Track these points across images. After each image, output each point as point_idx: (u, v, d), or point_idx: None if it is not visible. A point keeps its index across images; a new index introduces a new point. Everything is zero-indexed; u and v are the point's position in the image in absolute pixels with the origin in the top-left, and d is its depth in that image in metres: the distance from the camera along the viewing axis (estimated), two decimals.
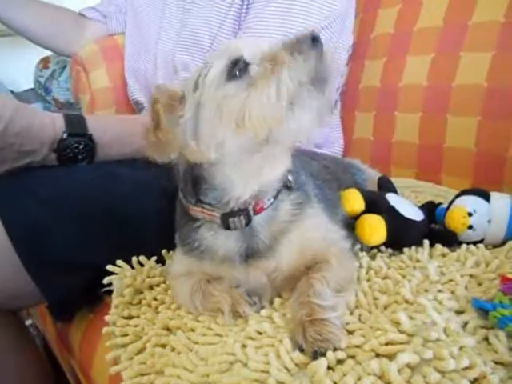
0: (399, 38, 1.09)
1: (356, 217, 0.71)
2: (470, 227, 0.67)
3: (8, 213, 0.68)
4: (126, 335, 0.60)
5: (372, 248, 0.70)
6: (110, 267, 0.67)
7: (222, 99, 0.52)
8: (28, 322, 1.27)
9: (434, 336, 0.44)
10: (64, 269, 0.69)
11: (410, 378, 0.41)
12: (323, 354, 0.46)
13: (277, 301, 0.59)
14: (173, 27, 1.08)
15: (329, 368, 0.45)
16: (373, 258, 0.67)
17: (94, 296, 0.73)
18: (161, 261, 0.72)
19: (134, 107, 1.22)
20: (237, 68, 0.52)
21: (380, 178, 0.84)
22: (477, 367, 0.41)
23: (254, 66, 0.52)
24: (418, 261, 0.64)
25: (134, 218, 0.74)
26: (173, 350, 0.55)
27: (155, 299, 0.65)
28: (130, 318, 0.63)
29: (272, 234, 0.58)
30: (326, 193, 0.69)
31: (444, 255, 0.66)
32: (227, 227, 0.58)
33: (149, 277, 0.68)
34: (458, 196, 0.73)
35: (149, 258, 0.71)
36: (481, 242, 0.68)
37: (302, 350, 0.48)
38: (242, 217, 0.57)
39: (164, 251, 0.73)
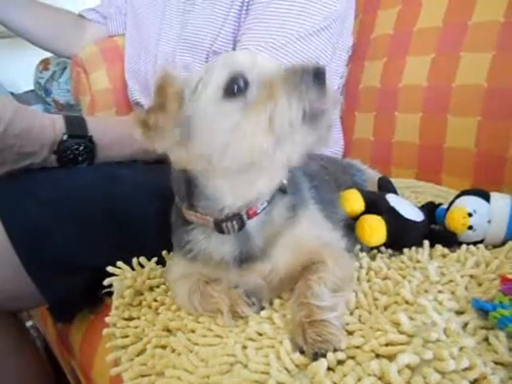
0: (399, 39, 1.09)
1: (356, 217, 0.71)
2: (470, 228, 0.67)
3: (8, 214, 0.68)
4: (127, 336, 0.60)
5: (372, 248, 0.70)
6: (110, 268, 0.67)
7: (215, 115, 0.52)
8: (28, 324, 1.27)
9: (434, 337, 0.44)
10: (64, 270, 0.69)
11: (410, 379, 0.41)
12: (323, 356, 0.46)
13: (276, 302, 0.59)
14: (173, 28, 1.08)
15: (329, 369, 0.45)
16: (373, 258, 0.67)
17: (95, 297, 0.73)
18: (161, 262, 0.72)
19: (135, 108, 1.22)
20: (235, 85, 0.51)
21: (380, 179, 0.84)
22: (477, 368, 0.41)
23: (253, 88, 0.51)
24: (418, 261, 0.64)
25: (135, 219, 0.74)
26: (173, 351, 0.55)
27: (155, 300, 0.65)
28: (130, 319, 0.63)
29: (266, 238, 0.58)
30: (324, 193, 0.69)
31: (444, 256, 0.66)
32: (220, 231, 0.58)
33: (149, 278, 0.69)
34: (458, 196, 0.73)
35: (149, 259, 0.72)
36: (481, 242, 0.68)
37: (302, 352, 0.48)
38: (234, 222, 0.57)
39: (164, 252, 0.73)
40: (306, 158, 0.53)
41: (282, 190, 0.60)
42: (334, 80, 1.06)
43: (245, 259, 0.58)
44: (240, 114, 0.50)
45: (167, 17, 1.11)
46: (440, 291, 0.55)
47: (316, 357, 0.46)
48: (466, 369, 0.42)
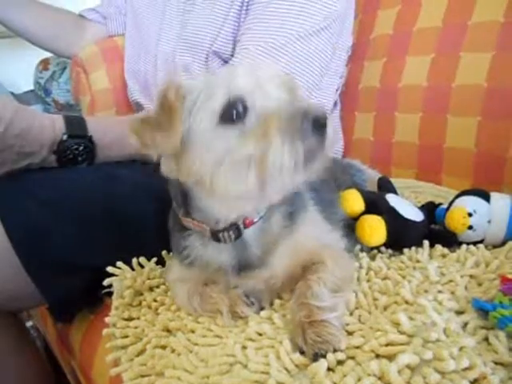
0: (398, 39, 1.09)
1: (356, 217, 0.71)
2: (470, 227, 0.67)
3: (8, 214, 0.68)
4: (127, 337, 0.60)
5: (372, 249, 0.70)
6: (110, 269, 0.68)
7: (210, 138, 0.51)
8: (29, 324, 1.27)
9: (434, 337, 0.44)
10: (64, 270, 0.69)
11: (409, 379, 0.41)
12: (324, 356, 0.46)
13: (276, 302, 0.59)
14: (173, 28, 1.08)
15: (329, 369, 0.45)
16: (373, 258, 0.67)
17: (95, 297, 0.73)
18: (161, 262, 0.72)
19: (135, 108, 1.22)
20: (234, 111, 0.49)
21: (380, 179, 0.84)
22: (477, 368, 0.41)
23: (251, 117, 0.50)
24: (417, 261, 0.64)
25: (134, 219, 0.74)
26: (173, 351, 0.55)
27: (155, 301, 0.65)
28: (130, 319, 0.63)
29: (264, 246, 0.58)
30: (323, 194, 0.69)
31: (444, 256, 0.66)
32: (217, 240, 0.57)
33: (149, 278, 0.69)
34: (457, 196, 0.73)
35: (149, 259, 0.72)
36: (481, 242, 0.68)
37: (302, 352, 0.48)
38: (231, 232, 0.56)
39: (164, 252, 0.73)
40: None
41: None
42: (334, 80, 1.06)
43: (243, 267, 0.58)
44: (234, 142, 0.49)
45: (167, 17, 1.11)
46: (440, 291, 0.55)
47: (316, 357, 0.46)
48: (465, 369, 0.42)
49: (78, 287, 0.72)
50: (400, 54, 1.07)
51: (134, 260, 0.70)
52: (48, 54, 1.67)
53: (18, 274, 0.67)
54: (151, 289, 0.68)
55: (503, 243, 0.66)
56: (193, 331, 0.57)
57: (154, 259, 0.72)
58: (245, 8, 0.93)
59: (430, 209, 0.77)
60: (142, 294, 0.67)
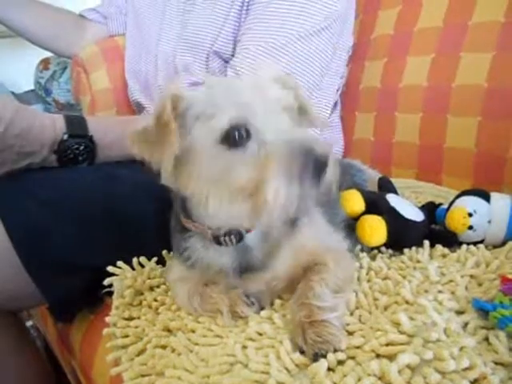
0: (399, 39, 1.09)
1: (356, 218, 0.71)
2: (471, 228, 0.68)
3: (8, 214, 0.68)
4: (127, 336, 0.60)
5: (372, 249, 0.70)
6: (110, 268, 0.67)
7: (209, 157, 0.50)
8: (29, 323, 1.27)
9: (435, 337, 0.44)
10: (64, 270, 0.69)
11: (410, 379, 0.41)
12: (324, 356, 0.46)
13: (277, 302, 0.59)
14: (173, 28, 1.08)
15: (329, 369, 0.45)
16: (373, 258, 0.67)
17: (95, 297, 0.73)
18: (161, 262, 0.72)
19: (135, 108, 1.22)
20: (237, 133, 0.49)
21: (380, 179, 0.84)
22: (477, 368, 0.41)
23: (253, 145, 0.49)
24: (418, 261, 0.65)
25: (135, 218, 0.74)
26: (173, 351, 0.55)
27: (156, 300, 0.65)
28: (130, 319, 0.63)
29: (266, 250, 0.58)
30: None
31: (444, 256, 0.66)
32: (218, 243, 0.57)
33: (149, 278, 0.69)
34: (458, 196, 0.73)
35: (149, 258, 0.72)
36: (481, 242, 0.68)
37: (302, 352, 0.48)
38: (232, 236, 0.56)
39: (164, 252, 0.73)
40: None
41: None
42: (335, 80, 1.06)
43: (244, 270, 0.58)
44: (232, 166, 0.49)
45: (167, 17, 1.11)
46: (440, 291, 0.55)
47: (316, 357, 0.46)
48: (466, 369, 0.42)
49: (78, 287, 0.72)
50: (401, 54, 1.07)
51: (135, 259, 0.70)
52: (48, 54, 1.67)
53: (18, 273, 0.67)
54: (152, 288, 0.68)
55: (503, 243, 0.66)
56: (193, 331, 0.57)
57: (155, 259, 0.72)
58: (245, 8, 0.93)
59: (430, 209, 0.77)
60: (142, 294, 0.67)
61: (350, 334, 0.50)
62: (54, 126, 0.74)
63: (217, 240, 0.57)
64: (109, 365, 0.59)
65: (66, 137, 0.75)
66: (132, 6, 1.23)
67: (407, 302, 0.53)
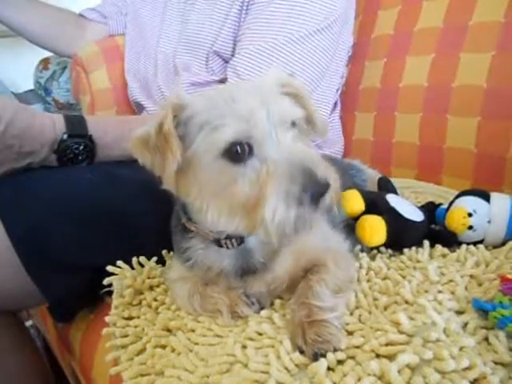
0: (399, 39, 1.09)
1: (356, 218, 0.71)
2: (470, 228, 0.67)
3: (8, 214, 0.68)
4: (126, 336, 0.60)
5: (372, 249, 0.70)
6: (110, 268, 0.68)
7: (210, 169, 0.50)
8: (28, 323, 1.27)
9: (434, 336, 0.44)
10: (64, 269, 0.69)
11: (410, 379, 0.41)
12: (324, 356, 0.46)
13: (277, 302, 0.59)
14: (173, 28, 1.09)
15: (329, 369, 0.45)
16: (373, 258, 0.67)
17: (95, 297, 0.73)
18: (161, 261, 0.72)
19: (135, 108, 1.22)
20: (239, 148, 0.49)
21: (380, 179, 0.84)
22: (477, 368, 0.41)
23: (255, 162, 0.49)
24: (418, 261, 0.64)
25: (134, 218, 0.74)
26: (173, 350, 0.55)
27: (155, 300, 0.65)
28: (130, 318, 0.63)
29: (267, 251, 0.58)
30: None
31: (444, 256, 0.66)
32: (220, 245, 0.57)
33: (149, 277, 0.69)
34: (458, 196, 0.73)
35: (149, 258, 0.72)
36: (481, 242, 0.68)
37: (302, 352, 0.48)
38: (233, 239, 0.57)
39: (164, 252, 0.73)
40: None
41: None
42: (335, 80, 1.06)
43: (245, 272, 0.58)
44: (233, 181, 0.49)
45: (167, 17, 1.11)
46: (440, 291, 0.55)
47: (316, 357, 0.46)
48: (465, 369, 0.42)
49: (78, 286, 0.72)
50: (400, 54, 1.07)
51: (134, 259, 0.70)
52: (48, 54, 1.67)
53: (18, 273, 0.67)
54: (151, 288, 0.68)
55: (503, 243, 0.66)
56: (193, 330, 0.57)
57: (154, 258, 0.72)
58: (245, 8, 0.93)
59: (430, 209, 0.77)
60: (142, 293, 0.67)
61: (350, 333, 0.50)
62: (53, 125, 0.74)
63: (218, 242, 0.57)
64: (108, 364, 0.59)
65: (65, 136, 0.75)
66: (132, 5, 1.23)
67: (407, 302, 0.53)
